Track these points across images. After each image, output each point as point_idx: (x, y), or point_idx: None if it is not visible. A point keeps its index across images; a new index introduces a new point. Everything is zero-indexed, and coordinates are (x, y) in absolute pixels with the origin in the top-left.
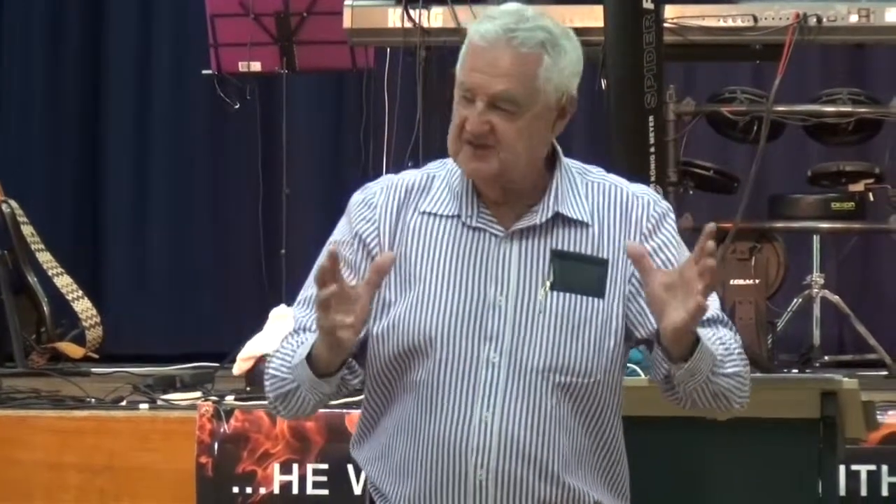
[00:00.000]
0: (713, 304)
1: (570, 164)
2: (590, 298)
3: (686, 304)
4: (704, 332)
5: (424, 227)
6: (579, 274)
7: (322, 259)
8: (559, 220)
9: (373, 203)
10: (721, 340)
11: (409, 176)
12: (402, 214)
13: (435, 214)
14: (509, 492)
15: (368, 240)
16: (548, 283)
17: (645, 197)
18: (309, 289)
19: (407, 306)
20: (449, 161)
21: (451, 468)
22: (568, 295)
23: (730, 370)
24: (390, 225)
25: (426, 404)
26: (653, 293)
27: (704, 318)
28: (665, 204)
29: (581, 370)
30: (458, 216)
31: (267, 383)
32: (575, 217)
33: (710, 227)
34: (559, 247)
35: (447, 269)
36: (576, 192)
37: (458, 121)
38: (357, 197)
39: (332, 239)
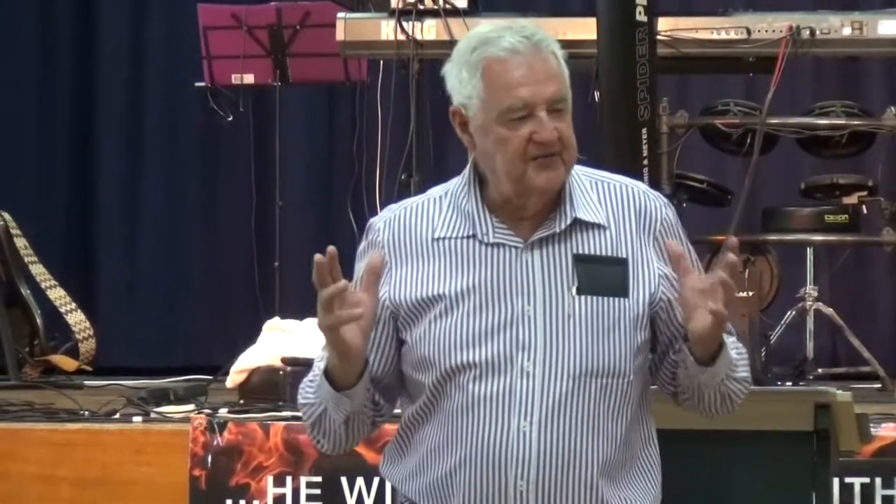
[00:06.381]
0: None
1: (575, 168)
2: (617, 299)
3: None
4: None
5: (440, 252)
6: (603, 276)
7: (319, 258)
8: (577, 224)
9: (378, 241)
10: (734, 344)
11: (411, 203)
12: (413, 245)
13: (449, 238)
14: (549, 501)
15: (380, 284)
16: (574, 288)
17: (657, 199)
18: None
19: (440, 332)
20: (449, 185)
21: (491, 481)
22: (595, 298)
23: (740, 374)
24: (400, 257)
25: (465, 420)
26: (684, 295)
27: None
28: (672, 209)
29: (616, 371)
30: (474, 236)
31: (301, 414)
32: (592, 220)
33: (732, 241)
34: (579, 251)
35: (473, 288)
36: (588, 196)
37: (517, 142)
38: (363, 244)
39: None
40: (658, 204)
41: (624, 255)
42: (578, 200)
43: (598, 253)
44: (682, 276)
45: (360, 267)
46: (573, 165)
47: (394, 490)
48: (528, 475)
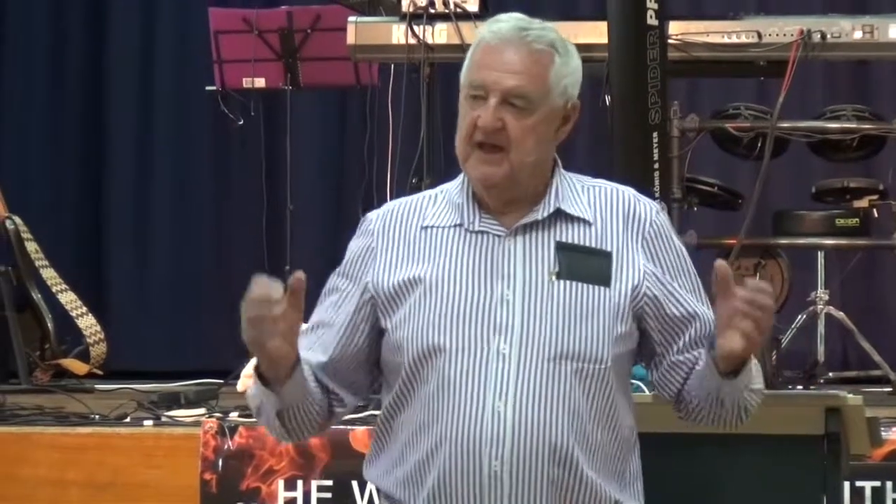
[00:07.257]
0: None
1: (567, 173)
2: (597, 287)
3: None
4: None
5: (427, 238)
6: (584, 264)
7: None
8: (561, 216)
9: (370, 230)
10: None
11: (408, 199)
12: (401, 232)
13: (436, 227)
14: (523, 481)
15: (366, 271)
16: (554, 273)
17: (647, 203)
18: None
19: (418, 314)
20: (449, 184)
21: (465, 461)
22: (574, 283)
23: (756, 386)
24: (387, 244)
25: (440, 403)
26: (720, 313)
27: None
28: (665, 214)
29: (591, 356)
30: (460, 224)
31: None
32: (576, 214)
33: (758, 285)
34: (562, 241)
35: (454, 273)
36: (576, 194)
37: (468, 122)
38: (355, 238)
39: (336, 271)
40: (648, 207)
41: (609, 250)
42: (565, 196)
43: (581, 244)
44: (723, 296)
45: (347, 256)
46: (521, 168)
47: (376, 495)
48: (503, 455)
